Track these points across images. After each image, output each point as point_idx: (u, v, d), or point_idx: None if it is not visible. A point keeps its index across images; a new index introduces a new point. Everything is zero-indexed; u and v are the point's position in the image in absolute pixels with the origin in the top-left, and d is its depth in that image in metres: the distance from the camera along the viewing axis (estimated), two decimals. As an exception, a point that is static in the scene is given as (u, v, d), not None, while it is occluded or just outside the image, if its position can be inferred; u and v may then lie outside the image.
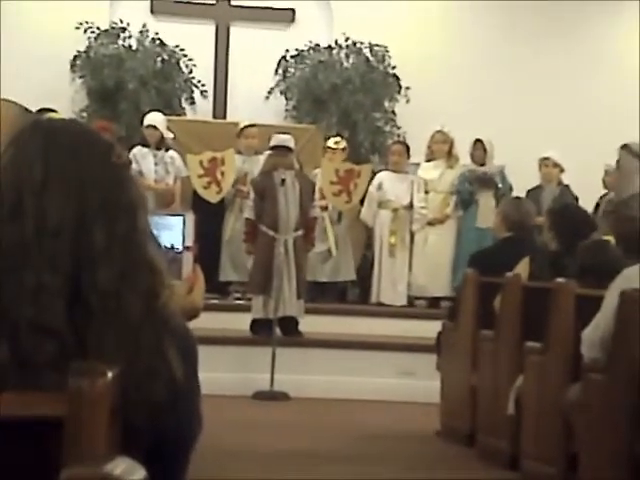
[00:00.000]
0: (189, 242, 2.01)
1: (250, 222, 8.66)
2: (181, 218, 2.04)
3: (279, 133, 8.95)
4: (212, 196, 9.55)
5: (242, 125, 9.81)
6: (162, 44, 10.82)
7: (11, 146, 1.72)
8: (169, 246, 2.03)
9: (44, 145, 1.71)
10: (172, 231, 2.05)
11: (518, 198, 8.04)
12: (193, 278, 2.01)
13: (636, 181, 8.87)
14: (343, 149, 9.93)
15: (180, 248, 2.03)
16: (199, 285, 2.01)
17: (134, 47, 10.78)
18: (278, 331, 8.39)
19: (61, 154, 1.70)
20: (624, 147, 8.98)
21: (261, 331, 8.52)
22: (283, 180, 8.44)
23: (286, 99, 11.04)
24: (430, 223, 9.91)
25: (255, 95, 10.92)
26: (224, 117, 10.98)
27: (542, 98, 11.25)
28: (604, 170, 9.70)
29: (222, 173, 9.54)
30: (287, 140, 8.65)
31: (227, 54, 11.06)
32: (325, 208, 9.77)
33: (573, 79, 11.35)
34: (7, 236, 1.64)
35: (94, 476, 1.39)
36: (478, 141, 9.85)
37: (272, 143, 8.71)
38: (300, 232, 8.54)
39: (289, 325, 8.54)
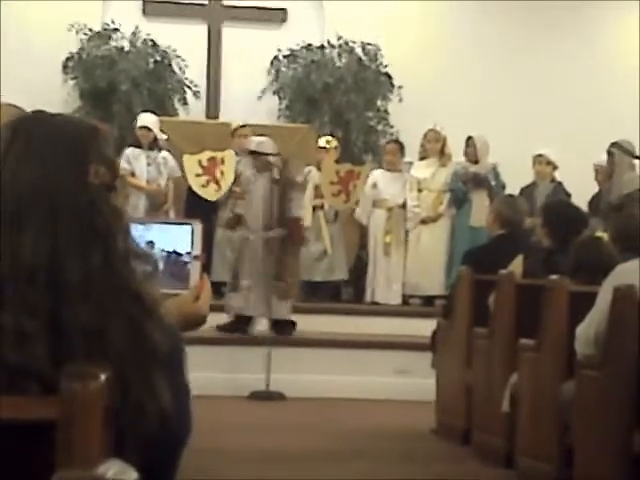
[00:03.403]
0: (197, 251, 2.01)
1: (236, 217, 8.76)
2: (189, 227, 2.03)
3: (260, 135, 9.00)
4: (211, 194, 9.56)
5: (235, 126, 9.82)
6: (154, 45, 10.82)
7: None
8: (172, 251, 2.02)
9: (16, 167, 1.66)
10: (178, 238, 2.04)
11: (511, 196, 8.05)
12: (200, 286, 2.00)
13: (632, 177, 8.91)
14: (335, 148, 9.95)
15: (185, 255, 2.02)
16: (206, 293, 1.99)
17: (126, 48, 10.77)
18: (270, 329, 8.40)
19: (33, 179, 1.65)
20: (615, 144, 9.01)
21: (238, 329, 8.52)
22: (255, 182, 8.57)
23: (279, 99, 11.04)
24: (423, 221, 9.91)
25: (248, 95, 10.92)
26: (217, 117, 10.98)
27: (536, 95, 11.26)
28: (594, 169, 9.72)
29: (222, 172, 9.55)
30: (261, 143, 8.68)
31: (219, 54, 11.06)
32: (321, 207, 9.79)
33: (567, 77, 11.36)
34: None
35: (86, 479, 1.39)
36: (470, 138, 9.86)
37: (249, 147, 8.80)
38: (276, 232, 8.48)
39: (281, 326, 8.54)
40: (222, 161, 9.56)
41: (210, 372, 7.78)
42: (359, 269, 10.04)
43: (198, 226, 2.04)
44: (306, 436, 6.76)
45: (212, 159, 9.56)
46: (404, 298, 9.91)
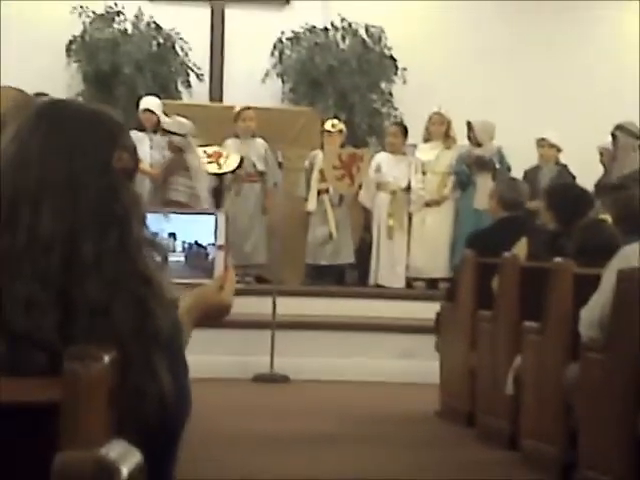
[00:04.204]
0: (221, 241, 2.01)
1: None
2: (213, 217, 2.04)
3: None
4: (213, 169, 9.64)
5: (238, 108, 9.80)
6: (157, 27, 10.79)
7: (13, 141, 1.70)
8: (194, 243, 2.03)
9: (42, 145, 1.68)
10: (201, 229, 2.04)
11: (512, 178, 8.05)
12: (225, 276, 2.01)
13: (634, 159, 8.90)
14: (340, 131, 9.91)
15: (208, 246, 2.03)
16: (230, 283, 2.00)
17: (129, 31, 10.74)
18: (276, 313, 8.41)
19: (58, 158, 1.68)
20: (619, 127, 8.99)
21: None
22: None
23: (282, 81, 11.01)
24: (428, 204, 9.90)
25: (252, 78, 10.89)
26: (220, 100, 10.95)
27: (541, 77, 11.23)
28: (599, 152, 9.69)
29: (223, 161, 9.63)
30: (171, 122, 8.96)
31: (223, 37, 11.02)
32: (326, 191, 9.78)
33: (572, 58, 11.32)
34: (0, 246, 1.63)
35: (88, 460, 1.39)
36: (469, 123, 9.81)
37: (162, 125, 9.08)
38: None
39: None
40: (227, 156, 9.60)
41: (215, 355, 7.79)
42: (364, 252, 10.03)
43: (222, 216, 2.04)
44: (310, 419, 6.77)
45: (217, 153, 9.63)
46: (408, 281, 9.91)
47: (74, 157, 1.68)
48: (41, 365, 1.58)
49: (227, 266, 2.01)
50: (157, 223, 1.97)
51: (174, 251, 2.00)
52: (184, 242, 2.02)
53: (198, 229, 2.05)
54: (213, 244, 2.03)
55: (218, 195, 9.68)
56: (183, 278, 1.98)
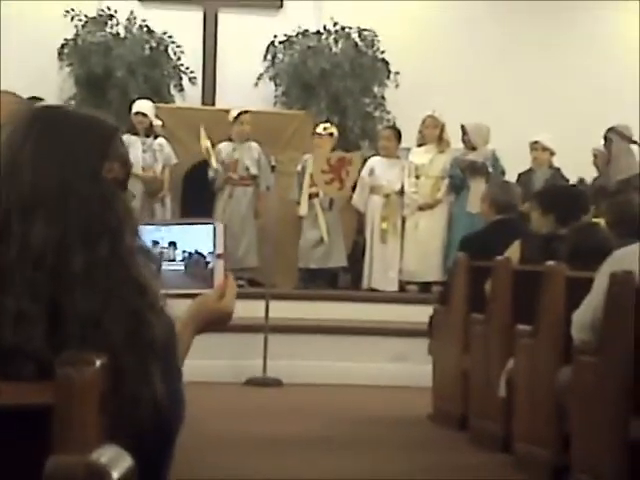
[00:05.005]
0: (220, 250, 2.03)
1: None
2: (211, 227, 2.05)
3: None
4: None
5: (237, 112, 9.76)
6: (150, 31, 10.79)
7: (6, 147, 1.69)
8: (194, 252, 2.04)
9: (34, 151, 1.68)
10: (200, 238, 2.05)
11: (504, 181, 8.05)
12: (224, 285, 2.02)
13: (633, 164, 8.92)
14: (331, 134, 9.91)
15: (207, 255, 2.04)
16: (230, 292, 2.03)
17: (122, 34, 10.74)
18: (269, 316, 8.41)
19: (50, 164, 1.67)
20: (611, 130, 9.01)
21: None
22: None
23: (275, 85, 11.02)
24: (421, 208, 9.90)
25: (244, 81, 10.89)
26: (213, 104, 10.96)
27: (534, 80, 11.25)
28: (593, 154, 9.71)
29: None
30: None
31: (215, 40, 11.02)
32: (317, 195, 9.78)
33: (569, 59, 11.33)
34: None
35: (80, 464, 1.39)
36: (462, 126, 9.82)
37: None
38: None
39: None
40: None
41: (207, 359, 7.77)
42: (357, 256, 10.04)
43: (220, 225, 2.06)
44: (303, 422, 6.77)
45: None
46: (401, 284, 9.91)
47: (65, 164, 1.68)
48: (30, 372, 1.57)
49: (227, 274, 2.03)
50: (156, 232, 1.97)
51: (174, 260, 2.01)
52: (184, 251, 2.03)
53: (197, 238, 2.06)
54: (212, 253, 2.04)
55: (210, 198, 9.69)
56: (183, 288, 1.99)
